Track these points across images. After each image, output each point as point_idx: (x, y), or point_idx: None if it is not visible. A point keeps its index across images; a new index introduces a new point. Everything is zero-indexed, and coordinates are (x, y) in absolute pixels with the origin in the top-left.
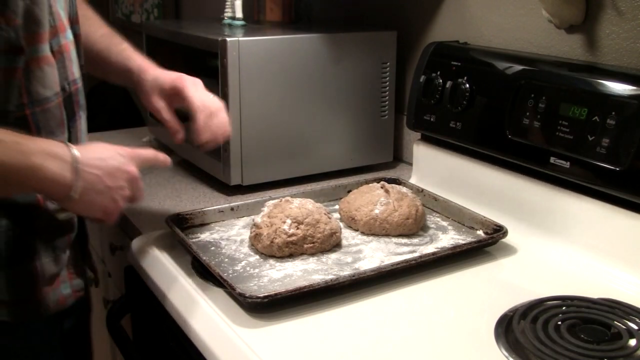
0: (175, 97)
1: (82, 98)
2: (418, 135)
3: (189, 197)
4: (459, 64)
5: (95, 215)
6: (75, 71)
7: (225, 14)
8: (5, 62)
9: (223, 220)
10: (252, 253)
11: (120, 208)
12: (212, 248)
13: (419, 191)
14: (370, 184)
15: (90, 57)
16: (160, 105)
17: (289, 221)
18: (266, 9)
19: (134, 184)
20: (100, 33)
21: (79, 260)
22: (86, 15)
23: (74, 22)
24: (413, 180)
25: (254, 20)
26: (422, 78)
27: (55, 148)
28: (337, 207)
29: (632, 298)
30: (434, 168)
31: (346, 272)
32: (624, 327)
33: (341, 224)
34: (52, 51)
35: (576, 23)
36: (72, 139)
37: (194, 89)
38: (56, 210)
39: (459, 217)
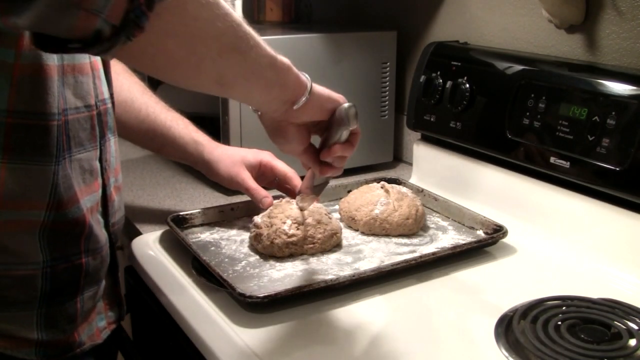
0: (257, 168)
1: (110, 120)
2: (418, 135)
3: (189, 197)
4: (459, 64)
5: (338, 100)
6: (104, 91)
7: None
8: (59, 59)
9: (223, 220)
10: (252, 253)
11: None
12: (212, 248)
13: (419, 191)
14: (370, 184)
15: (137, 122)
16: (245, 174)
17: (289, 222)
18: (266, 9)
19: None
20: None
21: (114, 288)
22: (130, 80)
23: None
24: (413, 180)
25: (254, 20)
26: (422, 78)
27: None
28: (337, 207)
29: (632, 298)
30: (434, 168)
31: (346, 272)
32: (624, 327)
33: (341, 224)
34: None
35: (576, 23)
36: (103, 159)
37: (279, 161)
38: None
39: (459, 217)
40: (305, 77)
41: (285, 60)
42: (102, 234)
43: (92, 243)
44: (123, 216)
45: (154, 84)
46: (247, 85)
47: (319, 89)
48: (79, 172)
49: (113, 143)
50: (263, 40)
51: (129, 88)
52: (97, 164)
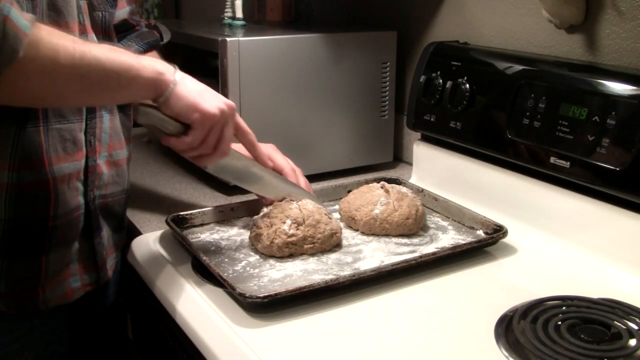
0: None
1: None
2: (418, 135)
3: (189, 197)
4: (459, 64)
5: (191, 116)
6: None
7: (225, 14)
8: None
9: (223, 220)
10: (252, 253)
11: (217, 119)
12: (212, 248)
13: (419, 191)
14: (370, 184)
15: None
16: None
17: (289, 221)
18: (266, 9)
19: (231, 111)
20: None
21: (91, 253)
22: None
23: (107, 35)
24: (413, 180)
25: (254, 20)
26: (422, 78)
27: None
28: (337, 207)
29: (632, 298)
30: (434, 168)
31: (346, 272)
32: (624, 327)
33: (341, 224)
34: None
35: (576, 23)
36: (89, 132)
37: (279, 154)
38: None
39: (459, 217)
40: (168, 76)
41: (132, 63)
42: (76, 200)
43: (62, 207)
44: (123, 190)
45: None
46: (101, 95)
47: (185, 91)
48: (58, 140)
49: (108, 120)
50: (110, 50)
51: None
52: (82, 136)
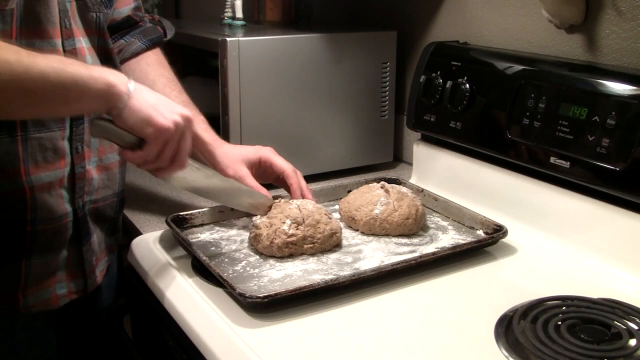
0: (257, 165)
1: None
2: (418, 135)
3: (189, 197)
4: (459, 64)
5: (145, 130)
6: None
7: (225, 14)
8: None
9: (223, 220)
10: (252, 253)
11: (172, 132)
12: (212, 248)
13: (419, 191)
14: (370, 184)
15: None
16: (244, 172)
17: (288, 222)
18: (266, 9)
19: (187, 123)
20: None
21: (79, 261)
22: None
23: (102, 36)
24: (413, 180)
25: (254, 20)
26: (422, 78)
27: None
28: (337, 207)
29: (632, 298)
30: (434, 168)
31: (346, 272)
32: (624, 327)
33: (341, 224)
34: (64, 51)
35: (576, 23)
36: (75, 139)
37: (278, 157)
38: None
39: (459, 217)
40: (122, 88)
41: (80, 75)
42: (61, 208)
43: (42, 214)
44: (115, 193)
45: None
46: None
47: (139, 104)
48: (38, 149)
49: None
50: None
51: (153, 79)
52: (65, 144)
